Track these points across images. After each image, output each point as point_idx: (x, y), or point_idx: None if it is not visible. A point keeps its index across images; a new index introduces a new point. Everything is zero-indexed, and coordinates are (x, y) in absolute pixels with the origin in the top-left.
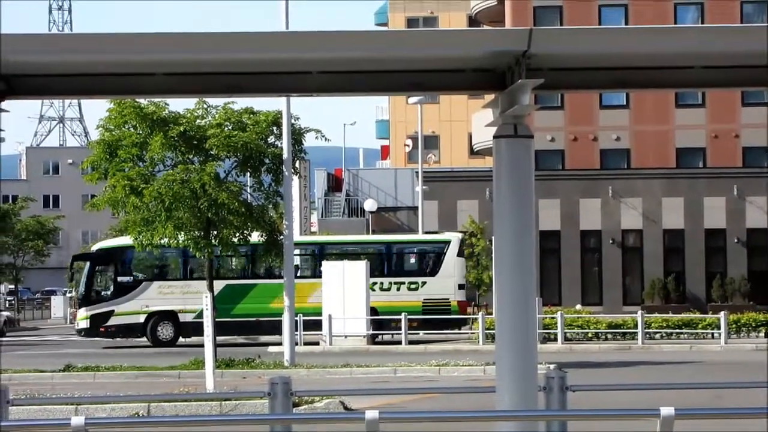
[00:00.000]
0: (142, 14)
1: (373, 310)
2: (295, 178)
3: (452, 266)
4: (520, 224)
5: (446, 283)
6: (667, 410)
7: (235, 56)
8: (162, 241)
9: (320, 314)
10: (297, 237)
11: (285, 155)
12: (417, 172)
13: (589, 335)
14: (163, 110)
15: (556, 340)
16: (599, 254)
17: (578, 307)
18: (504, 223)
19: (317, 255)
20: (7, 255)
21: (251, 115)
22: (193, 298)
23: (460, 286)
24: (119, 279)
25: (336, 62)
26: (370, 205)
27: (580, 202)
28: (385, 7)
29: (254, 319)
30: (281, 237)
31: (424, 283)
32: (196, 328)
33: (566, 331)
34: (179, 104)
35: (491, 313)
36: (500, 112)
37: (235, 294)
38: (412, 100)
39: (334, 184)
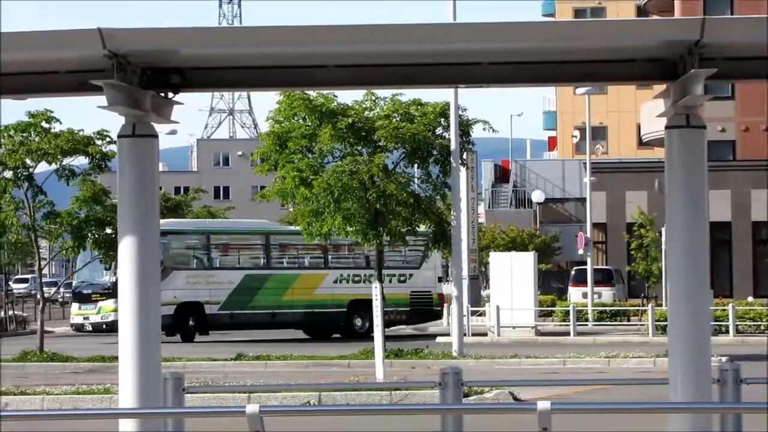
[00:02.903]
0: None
1: (367, 302)
2: (463, 170)
3: (434, 259)
4: (693, 216)
5: (429, 275)
6: None
7: (405, 48)
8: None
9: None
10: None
11: (452, 146)
12: (585, 163)
13: (762, 327)
14: (332, 102)
15: (727, 332)
16: None
17: (750, 299)
18: (676, 214)
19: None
20: None
21: (419, 107)
22: (218, 289)
23: (440, 279)
24: None
25: (506, 53)
26: (537, 196)
27: (751, 193)
28: None
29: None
30: (449, 228)
31: (411, 275)
32: (222, 321)
33: (737, 323)
34: (347, 96)
35: (660, 305)
36: (672, 102)
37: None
38: (580, 90)
39: (501, 175)
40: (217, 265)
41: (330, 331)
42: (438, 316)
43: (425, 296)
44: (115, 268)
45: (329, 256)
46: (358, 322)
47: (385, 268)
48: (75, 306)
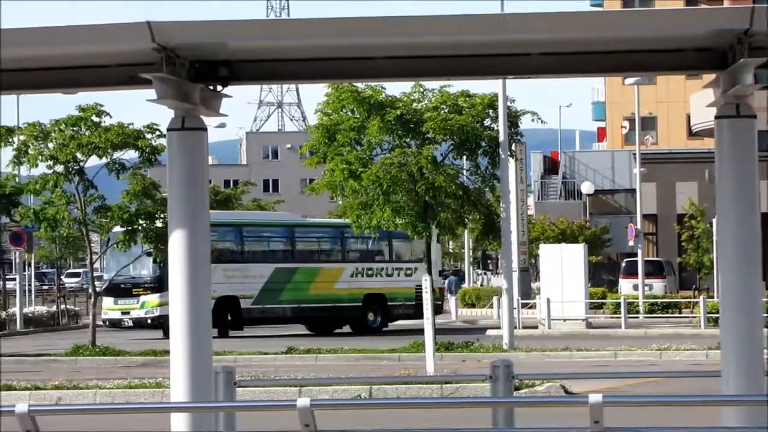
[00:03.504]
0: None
1: (381, 296)
2: (512, 161)
3: (434, 252)
4: (744, 206)
5: (432, 269)
6: None
7: (454, 39)
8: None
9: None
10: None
11: (501, 138)
12: (634, 154)
13: None
14: (380, 94)
15: None
16: None
17: None
18: (726, 205)
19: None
20: None
21: (467, 98)
22: (252, 283)
23: (440, 273)
24: None
25: (555, 43)
26: (587, 187)
27: None
28: None
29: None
30: (498, 220)
31: (416, 269)
32: (255, 315)
33: None
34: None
35: (712, 297)
36: (721, 92)
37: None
38: (629, 81)
39: (551, 166)
40: (250, 258)
41: (344, 326)
42: (439, 310)
43: None
44: (164, 261)
45: (347, 249)
46: (371, 316)
47: (394, 261)
48: (108, 300)
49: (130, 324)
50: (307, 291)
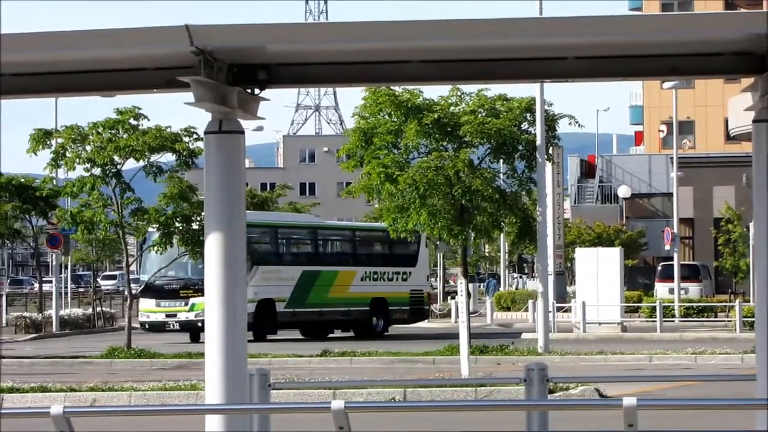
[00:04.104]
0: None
1: (384, 300)
2: (549, 165)
3: (425, 256)
4: None
5: (422, 273)
6: None
7: (491, 42)
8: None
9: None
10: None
11: (538, 141)
12: (672, 158)
13: None
14: (417, 97)
15: None
16: None
17: None
18: (763, 208)
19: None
20: None
21: (504, 102)
22: (285, 285)
23: (427, 277)
24: None
25: (592, 47)
26: (623, 191)
27: None
28: None
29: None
30: (535, 224)
31: (410, 273)
32: (287, 319)
33: None
34: (432, 91)
35: (748, 301)
36: (760, 95)
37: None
38: (667, 85)
39: (587, 170)
40: (286, 261)
41: (355, 329)
42: (426, 315)
43: (420, 295)
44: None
45: (358, 252)
46: (374, 320)
47: (394, 265)
48: (149, 302)
49: (176, 327)
50: (329, 294)
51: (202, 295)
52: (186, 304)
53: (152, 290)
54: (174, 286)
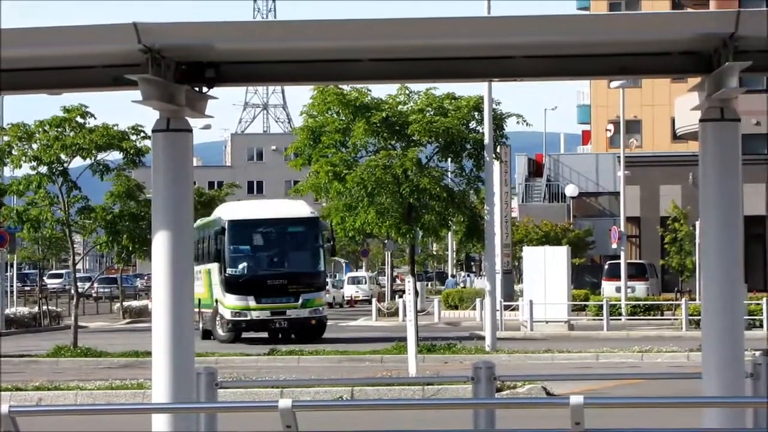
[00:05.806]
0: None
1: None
2: (496, 163)
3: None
4: (727, 209)
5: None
6: None
7: (439, 41)
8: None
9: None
10: None
11: (486, 140)
12: (619, 157)
13: None
14: (365, 96)
15: (761, 326)
16: None
17: None
18: (710, 208)
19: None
20: None
21: (452, 101)
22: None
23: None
24: None
25: (540, 46)
26: (571, 190)
27: None
28: None
29: None
30: (482, 222)
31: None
32: None
33: None
34: (381, 90)
35: (694, 299)
36: (706, 95)
37: None
38: (614, 84)
39: (535, 169)
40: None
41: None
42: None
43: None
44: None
45: None
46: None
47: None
48: (239, 300)
49: (284, 326)
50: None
51: (317, 290)
52: (296, 300)
53: (248, 286)
54: (281, 281)
